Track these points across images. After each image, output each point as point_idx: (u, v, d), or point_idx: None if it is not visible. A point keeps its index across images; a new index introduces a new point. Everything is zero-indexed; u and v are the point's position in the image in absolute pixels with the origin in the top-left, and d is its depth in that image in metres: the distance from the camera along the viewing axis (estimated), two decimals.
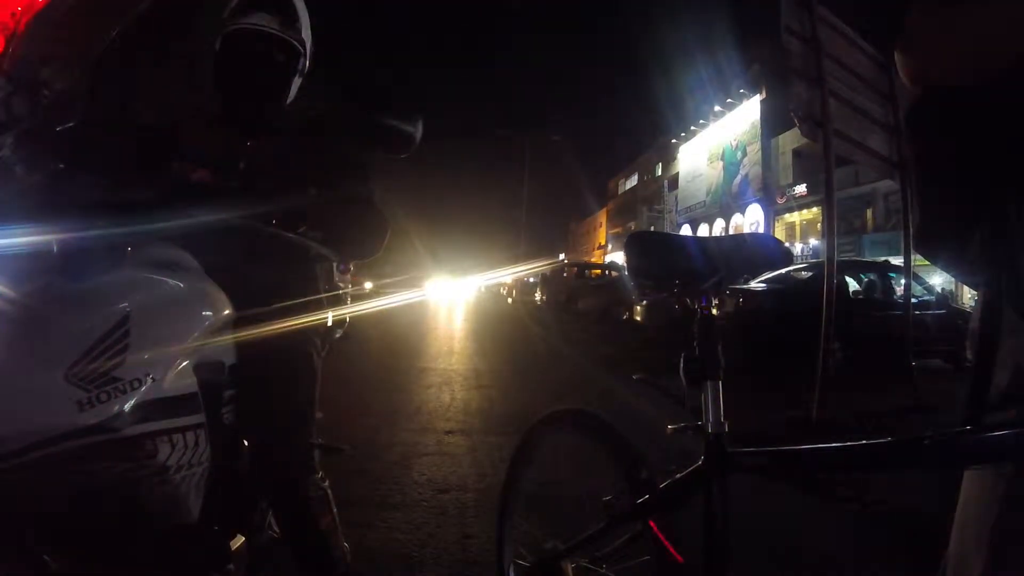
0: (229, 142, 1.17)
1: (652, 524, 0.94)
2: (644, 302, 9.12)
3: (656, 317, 8.73)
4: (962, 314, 6.96)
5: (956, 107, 0.59)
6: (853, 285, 7.29)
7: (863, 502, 2.29)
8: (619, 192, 47.52)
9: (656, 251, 0.97)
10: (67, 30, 0.88)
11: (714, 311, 0.90)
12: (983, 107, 0.56)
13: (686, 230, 32.13)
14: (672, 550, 0.91)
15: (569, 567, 1.14)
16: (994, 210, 0.56)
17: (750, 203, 27.17)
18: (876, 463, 0.69)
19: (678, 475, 0.90)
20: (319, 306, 1.29)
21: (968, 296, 11.83)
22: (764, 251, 1.02)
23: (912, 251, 4.84)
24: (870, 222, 21.13)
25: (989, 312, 0.58)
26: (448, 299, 22.29)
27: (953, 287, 11.41)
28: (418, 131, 1.11)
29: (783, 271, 7.46)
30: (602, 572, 1.08)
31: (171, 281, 0.89)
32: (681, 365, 0.87)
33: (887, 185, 15.71)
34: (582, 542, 1.10)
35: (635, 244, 0.96)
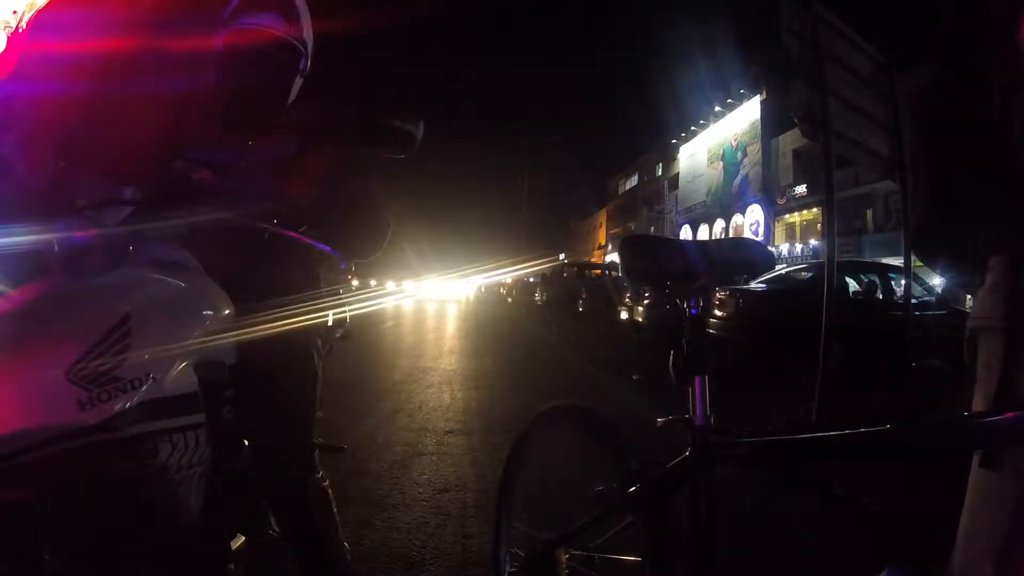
0: (230, 142, 1.17)
1: (643, 513, 0.96)
2: (644, 302, 9.15)
3: (656, 317, 8.74)
4: (962, 315, 6.96)
5: (966, 103, 0.59)
6: (853, 286, 7.29)
7: (861, 501, 2.30)
8: (619, 192, 47.55)
9: (648, 254, 1.02)
10: (71, 31, 0.88)
11: (701, 310, 0.95)
12: (990, 103, 0.56)
13: (686, 230, 32.18)
14: (662, 537, 0.93)
15: (563, 556, 1.16)
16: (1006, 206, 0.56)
17: (750, 203, 27.19)
18: (858, 451, 0.71)
19: (667, 466, 0.94)
20: (320, 306, 1.29)
21: (968, 297, 11.80)
22: (748, 254, 1.08)
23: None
24: (870, 223, 21.13)
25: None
26: (441, 300, 20.93)
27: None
28: (419, 131, 1.11)
29: (784, 272, 7.47)
30: (595, 561, 1.11)
31: (172, 281, 0.89)
32: (670, 361, 0.91)
33: (887, 186, 15.70)
34: (575, 532, 1.14)
35: (628, 247, 1.01)
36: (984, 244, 0.59)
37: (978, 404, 0.61)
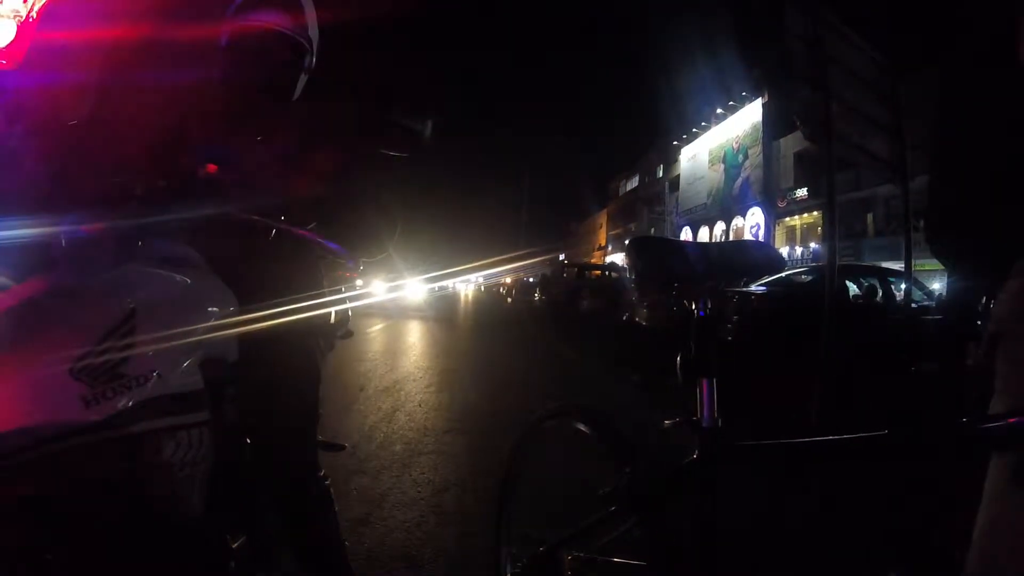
0: (237, 138, 1.17)
1: (647, 515, 0.96)
2: (646, 304, 9.15)
3: (658, 318, 8.74)
4: (961, 319, 6.94)
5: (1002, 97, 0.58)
6: (853, 289, 7.29)
7: (861, 503, 2.30)
8: (620, 193, 47.57)
9: (656, 255, 1.01)
10: (80, 22, 0.88)
11: (709, 312, 0.95)
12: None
13: (686, 232, 32.18)
14: (666, 540, 0.93)
15: (565, 558, 1.15)
16: None
17: (751, 206, 27.20)
18: (864, 454, 0.71)
19: (673, 467, 0.93)
20: (323, 304, 1.29)
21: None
22: (758, 256, 1.08)
23: (912, 255, 4.85)
24: (870, 226, 21.14)
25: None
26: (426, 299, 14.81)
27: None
28: (427, 130, 1.11)
29: (784, 275, 7.47)
30: (598, 563, 1.10)
31: (178, 277, 0.88)
32: (678, 363, 0.91)
33: (888, 189, 15.73)
34: (578, 534, 1.14)
35: (636, 247, 1.00)
36: (1009, 246, 0.58)
37: (998, 407, 0.60)
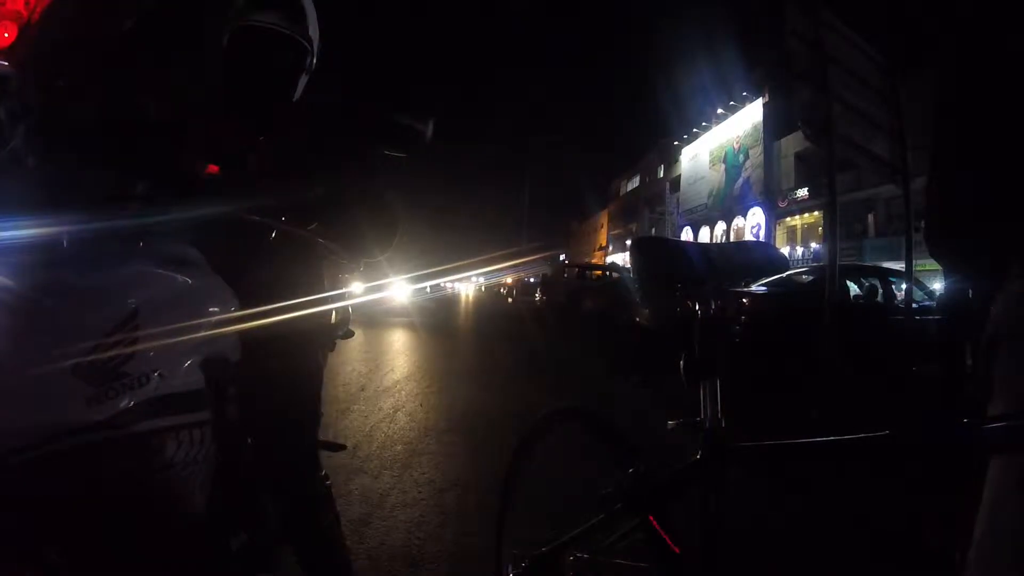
0: (239, 138, 1.17)
1: (650, 516, 0.96)
2: (648, 305, 9.15)
3: (661, 319, 8.74)
4: (963, 321, 6.93)
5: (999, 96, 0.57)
6: (854, 289, 7.29)
7: (861, 503, 2.30)
8: (621, 193, 47.60)
9: (660, 255, 1.02)
10: (80, 20, 0.88)
11: (712, 313, 0.94)
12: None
13: (687, 232, 32.17)
14: (669, 541, 0.93)
15: (567, 559, 1.15)
16: None
17: (751, 206, 27.19)
18: (860, 454, 0.71)
19: (676, 468, 0.93)
20: (324, 304, 1.29)
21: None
22: (763, 257, 1.09)
23: (913, 255, 4.85)
24: (872, 227, 21.13)
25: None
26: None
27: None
28: (429, 129, 1.11)
29: (785, 275, 7.47)
30: (600, 564, 1.10)
31: (179, 277, 0.88)
32: (681, 364, 0.91)
33: (889, 190, 15.71)
34: (580, 535, 1.13)
35: (639, 248, 1.01)
36: (1009, 248, 0.58)
37: (997, 409, 0.60)
